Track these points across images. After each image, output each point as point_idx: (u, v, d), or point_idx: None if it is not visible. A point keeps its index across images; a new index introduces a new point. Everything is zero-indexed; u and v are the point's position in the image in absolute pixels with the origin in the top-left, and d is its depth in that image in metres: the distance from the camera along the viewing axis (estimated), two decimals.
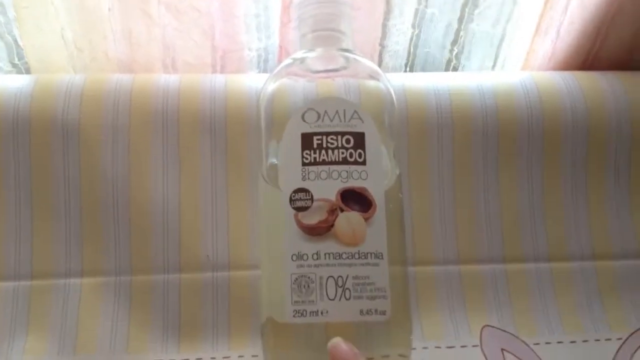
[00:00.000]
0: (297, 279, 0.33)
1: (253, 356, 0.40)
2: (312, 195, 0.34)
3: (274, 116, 0.37)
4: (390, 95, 0.38)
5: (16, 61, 0.47)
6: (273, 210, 0.35)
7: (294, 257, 0.33)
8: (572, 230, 0.45)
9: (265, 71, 0.48)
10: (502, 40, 0.49)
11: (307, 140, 0.34)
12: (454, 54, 0.50)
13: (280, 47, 0.47)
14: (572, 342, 0.42)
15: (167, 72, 0.47)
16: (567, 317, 0.43)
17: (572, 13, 0.47)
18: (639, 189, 0.46)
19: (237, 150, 0.43)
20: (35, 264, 0.41)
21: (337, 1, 0.38)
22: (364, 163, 0.34)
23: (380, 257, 0.33)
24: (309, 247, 0.33)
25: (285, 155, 0.35)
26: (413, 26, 0.48)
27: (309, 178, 0.34)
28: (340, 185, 0.34)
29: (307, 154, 0.34)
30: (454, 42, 0.49)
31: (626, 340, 0.42)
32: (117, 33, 0.45)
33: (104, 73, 0.45)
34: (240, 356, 0.40)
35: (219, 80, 0.44)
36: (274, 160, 0.35)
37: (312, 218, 0.33)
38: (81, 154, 0.42)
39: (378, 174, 0.35)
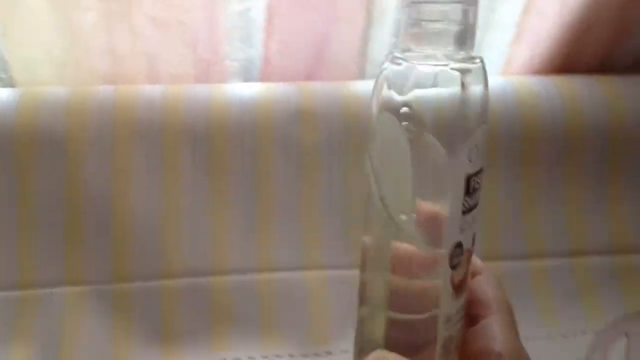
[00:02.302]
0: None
1: None
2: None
3: None
4: None
5: (1, 75, 0.48)
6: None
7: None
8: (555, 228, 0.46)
9: (248, 81, 0.49)
10: (480, 46, 0.50)
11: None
12: None
13: (265, 57, 0.47)
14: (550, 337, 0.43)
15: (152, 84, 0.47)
16: (545, 312, 0.44)
17: (550, 20, 0.47)
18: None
19: (220, 160, 0.43)
20: (20, 274, 0.41)
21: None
22: None
23: None
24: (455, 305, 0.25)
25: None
26: (395, 35, 0.49)
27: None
28: None
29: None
30: None
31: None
32: (102, 46, 0.45)
33: (88, 86, 0.46)
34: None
35: (203, 91, 0.45)
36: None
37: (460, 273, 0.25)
38: (66, 165, 0.42)
39: None
